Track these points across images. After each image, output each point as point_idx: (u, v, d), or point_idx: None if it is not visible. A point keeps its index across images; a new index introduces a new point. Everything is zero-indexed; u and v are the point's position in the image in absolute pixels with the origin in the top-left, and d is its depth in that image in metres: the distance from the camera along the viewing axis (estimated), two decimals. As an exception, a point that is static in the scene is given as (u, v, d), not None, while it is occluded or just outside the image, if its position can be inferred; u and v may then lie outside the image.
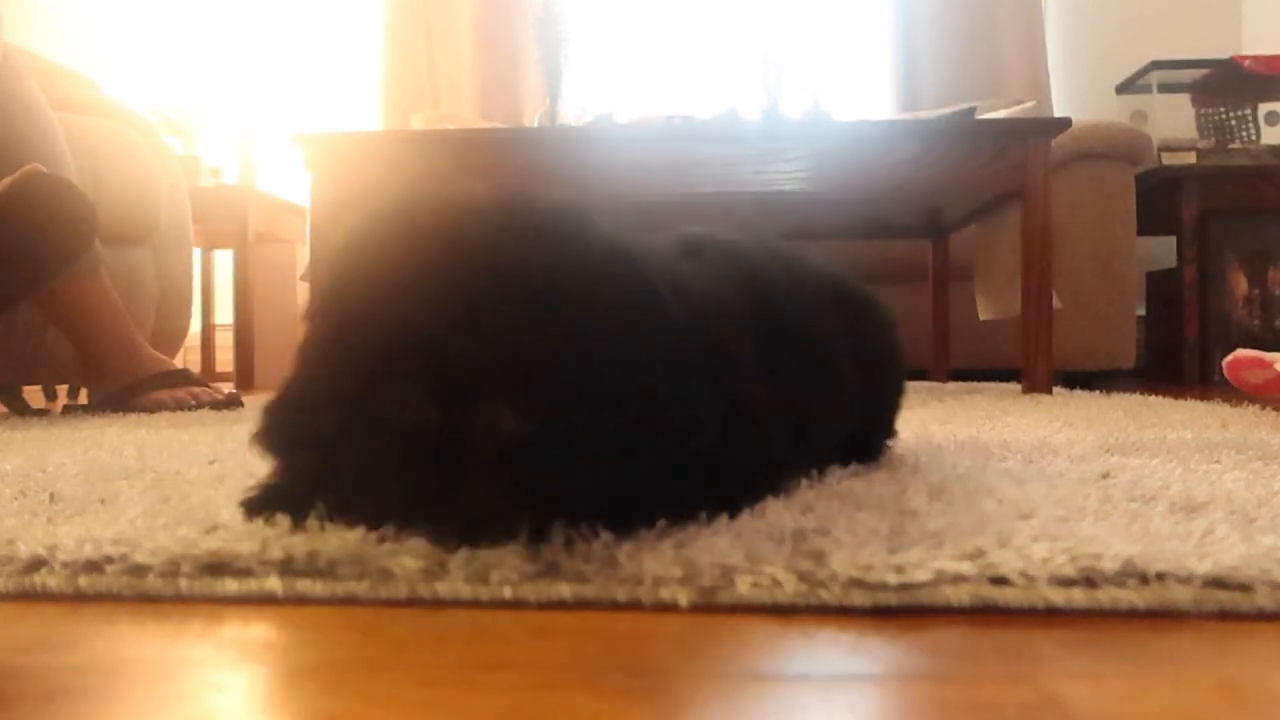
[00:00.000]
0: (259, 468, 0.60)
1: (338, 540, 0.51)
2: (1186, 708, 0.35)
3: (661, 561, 0.48)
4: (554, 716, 0.35)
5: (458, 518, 0.49)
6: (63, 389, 2.22)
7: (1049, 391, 1.96)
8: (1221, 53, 3.31)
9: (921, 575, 0.46)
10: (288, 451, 0.57)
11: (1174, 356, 3.11)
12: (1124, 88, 3.40)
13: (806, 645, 0.43)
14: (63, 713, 0.36)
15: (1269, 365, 1.66)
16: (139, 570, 0.50)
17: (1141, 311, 3.23)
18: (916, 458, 0.87)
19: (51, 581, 0.50)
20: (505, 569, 0.48)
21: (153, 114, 2.96)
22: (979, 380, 2.69)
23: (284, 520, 0.53)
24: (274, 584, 0.49)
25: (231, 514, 0.57)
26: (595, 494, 0.50)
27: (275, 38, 3.86)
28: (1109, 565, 0.46)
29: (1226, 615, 0.45)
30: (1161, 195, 3.08)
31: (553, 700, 0.36)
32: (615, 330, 0.52)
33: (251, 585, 0.49)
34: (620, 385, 0.52)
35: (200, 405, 1.72)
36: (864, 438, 0.85)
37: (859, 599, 0.46)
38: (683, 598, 0.46)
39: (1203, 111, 3.29)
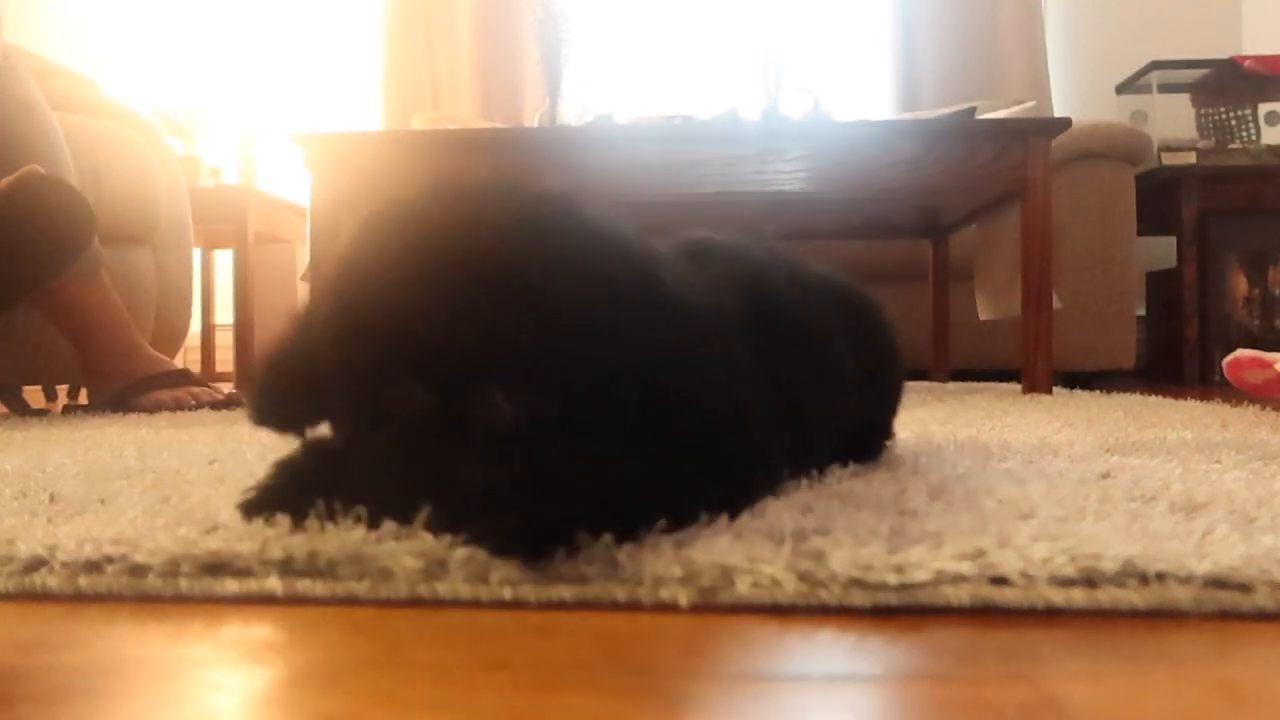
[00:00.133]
0: (259, 468, 0.60)
1: (337, 540, 0.51)
2: (1186, 708, 0.35)
3: (662, 561, 0.48)
4: (554, 716, 0.35)
5: (454, 501, 0.49)
6: (63, 389, 2.22)
7: (1049, 391, 1.96)
8: (1221, 53, 3.31)
9: (921, 575, 0.46)
10: (283, 427, 0.58)
11: (1174, 356, 3.11)
12: (1124, 88, 3.40)
13: (806, 645, 0.43)
14: (63, 713, 0.36)
15: (1269, 365, 1.65)
16: (139, 570, 0.50)
17: (1141, 311, 3.23)
18: (916, 458, 0.87)
19: (52, 581, 0.50)
20: (505, 569, 0.48)
21: (153, 114, 2.96)
22: (979, 380, 2.69)
23: (284, 520, 0.53)
24: (274, 584, 0.49)
25: (231, 514, 0.57)
26: (593, 476, 0.50)
27: (275, 38, 3.86)
28: (1109, 565, 0.46)
29: (1226, 615, 0.45)
30: (1161, 195, 3.08)
31: (553, 700, 0.36)
32: (607, 313, 0.53)
33: (251, 585, 0.49)
34: (614, 366, 0.53)
35: (200, 405, 1.72)
36: (863, 438, 0.86)
37: (859, 599, 0.46)
38: (683, 598, 0.46)
39: (1203, 111, 3.29)
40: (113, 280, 1.82)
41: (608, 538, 0.49)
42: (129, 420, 1.50)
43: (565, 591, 0.47)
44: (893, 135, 2.02)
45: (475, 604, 0.47)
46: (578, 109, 2.74)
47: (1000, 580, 0.46)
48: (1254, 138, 3.25)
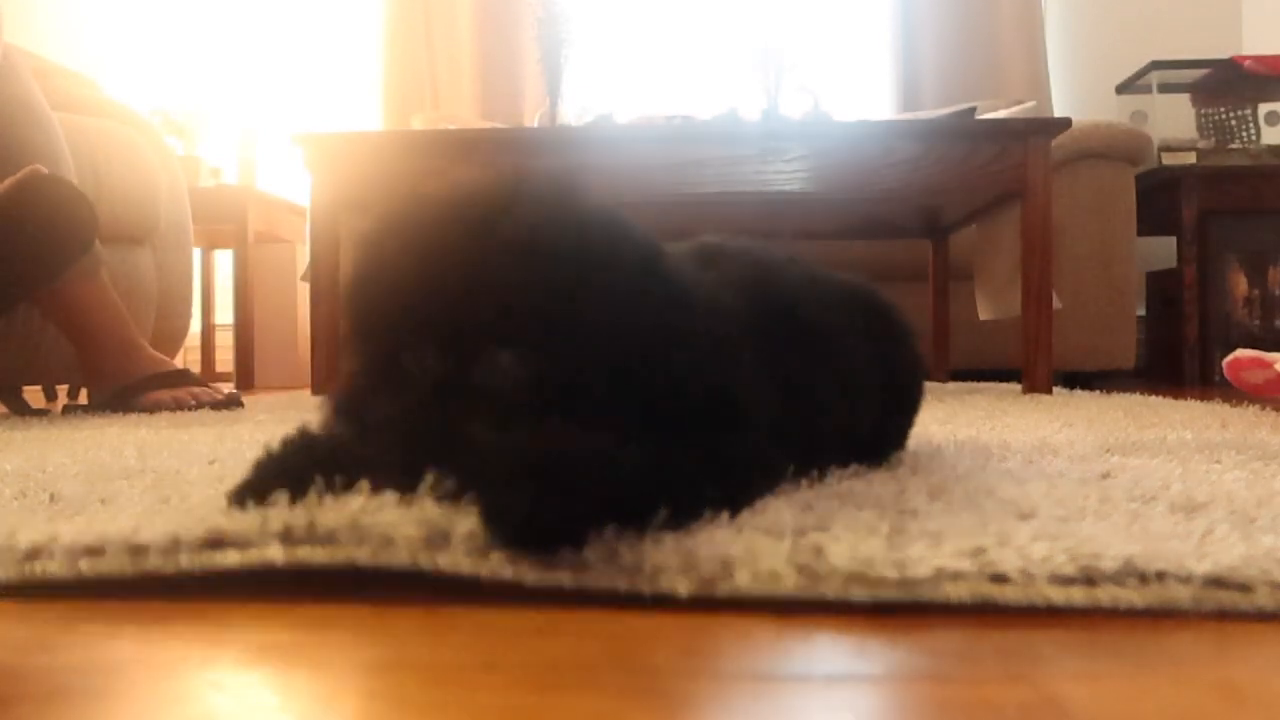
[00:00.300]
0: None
1: (336, 511, 0.50)
2: (1186, 708, 0.35)
3: (661, 552, 0.48)
4: (554, 716, 0.35)
5: (462, 476, 0.50)
6: (63, 389, 2.22)
7: (1049, 391, 1.96)
8: (1221, 53, 3.31)
9: (921, 571, 0.46)
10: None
11: (1174, 356, 3.11)
12: (1124, 88, 3.41)
13: (806, 645, 0.43)
14: (63, 713, 0.36)
15: (1269, 365, 1.65)
16: (139, 550, 0.50)
17: (1141, 311, 3.23)
18: (916, 458, 0.87)
19: (53, 566, 0.50)
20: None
21: (153, 114, 2.96)
22: (979, 380, 2.69)
23: (281, 498, 0.53)
24: (275, 553, 0.49)
25: (231, 516, 0.57)
26: (598, 469, 0.51)
27: (275, 38, 3.86)
28: (1109, 565, 0.46)
29: (1226, 615, 0.45)
30: (1161, 195, 3.08)
31: (553, 700, 0.36)
32: (608, 281, 0.56)
33: (253, 555, 0.49)
34: (621, 338, 0.55)
35: (200, 405, 1.72)
36: (875, 445, 0.85)
37: (859, 594, 0.46)
38: (682, 587, 0.46)
39: (1203, 111, 3.29)
40: (113, 280, 1.82)
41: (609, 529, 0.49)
42: (129, 420, 1.50)
43: (565, 577, 0.47)
44: (893, 135, 2.02)
45: (475, 586, 0.47)
46: (578, 109, 2.74)
47: (1000, 578, 0.46)
48: (1254, 138, 3.25)
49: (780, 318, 0.72)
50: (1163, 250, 3.23)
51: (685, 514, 0.52)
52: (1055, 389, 2.02)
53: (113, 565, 0.50)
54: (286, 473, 0.56)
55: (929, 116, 2.75)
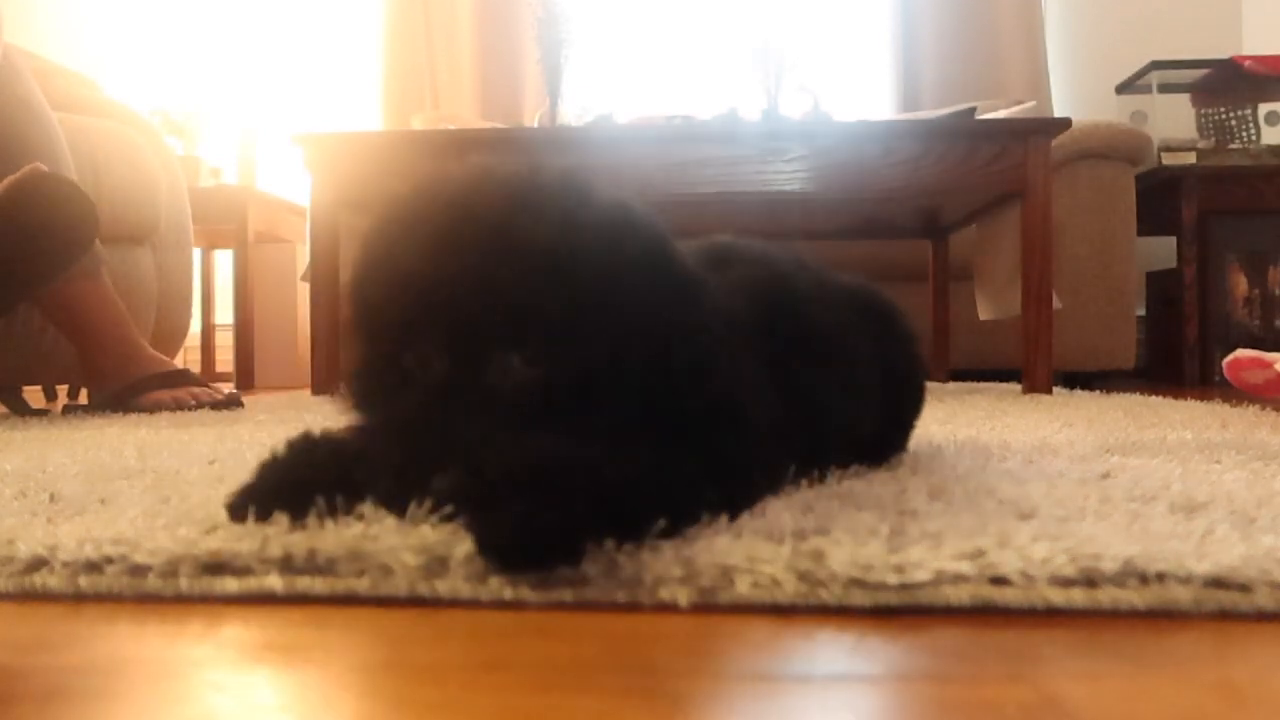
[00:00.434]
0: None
1: (336, 537, 0.51)
2: (1186, 708, 0.35)
3: (661, 561, 0.48)
4: (554, 716, 0.35)
5: (470, 456, 0.50)
6: (63, 389, 2.22)
7: (1049, 391, 1.96)
8: (1221, 53, 3.31)
9: (921, 575, 0.46)
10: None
11: (1174, 356, 3.11)
12: (1124, 88, 3.40)
13: (806, 645, 0.43)
14: (63, 713, 0.36)
15: (1269, 365, 1.65)
16: (139, 570, 0.50)
17: (1141, 311, 3.23)
18: (916, 458, 0.87)
19: (52, 581, 0.50)
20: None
21: (153, 114, 2.96)
22: (979, 380, 2.69)
23: (281, 519, 0.53)
24: (274, 582, 0.49)
25: (230, 532, 0.57)
26: (597, 481, 0.50)
27: (275, 38, 3.86)
28: (1109, 565, 0.46)
29: (1226, 615, 0.45)
30: (1161, 195, 3.08)
31: (553, 700, 0.36)
32: (619, 282, 0.55)
33: (251, 584, 0.49)
34: (624, 330, 0.54)
35: (200, 405, 1.72)
36: (876, 446, 0.85)
37: (859, 599, 0.46)
38: (683, 598, 0.46)
39: (1203, 111, 3.29)
40: (113, 280, 1.82)
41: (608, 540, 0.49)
42: (129, 420, 1.50)
43: (566, 593, 0.47)
44: (893, 135, 2.02)
45: (475, 604, 0.47)
46: (578, 109, 2.74)
47: (1000, 580, 0.46)
48: (1254, 138, 3.25)
49: (787, 318, 0.72)
50: (1163, 250, 3.23)
51: (684, 519, 0.52)
52: (1055, 389, 2.02)
53: (112, 585, 0.50)
54: (288, 483, 0.55)
55: (929, 116, 2.75)
